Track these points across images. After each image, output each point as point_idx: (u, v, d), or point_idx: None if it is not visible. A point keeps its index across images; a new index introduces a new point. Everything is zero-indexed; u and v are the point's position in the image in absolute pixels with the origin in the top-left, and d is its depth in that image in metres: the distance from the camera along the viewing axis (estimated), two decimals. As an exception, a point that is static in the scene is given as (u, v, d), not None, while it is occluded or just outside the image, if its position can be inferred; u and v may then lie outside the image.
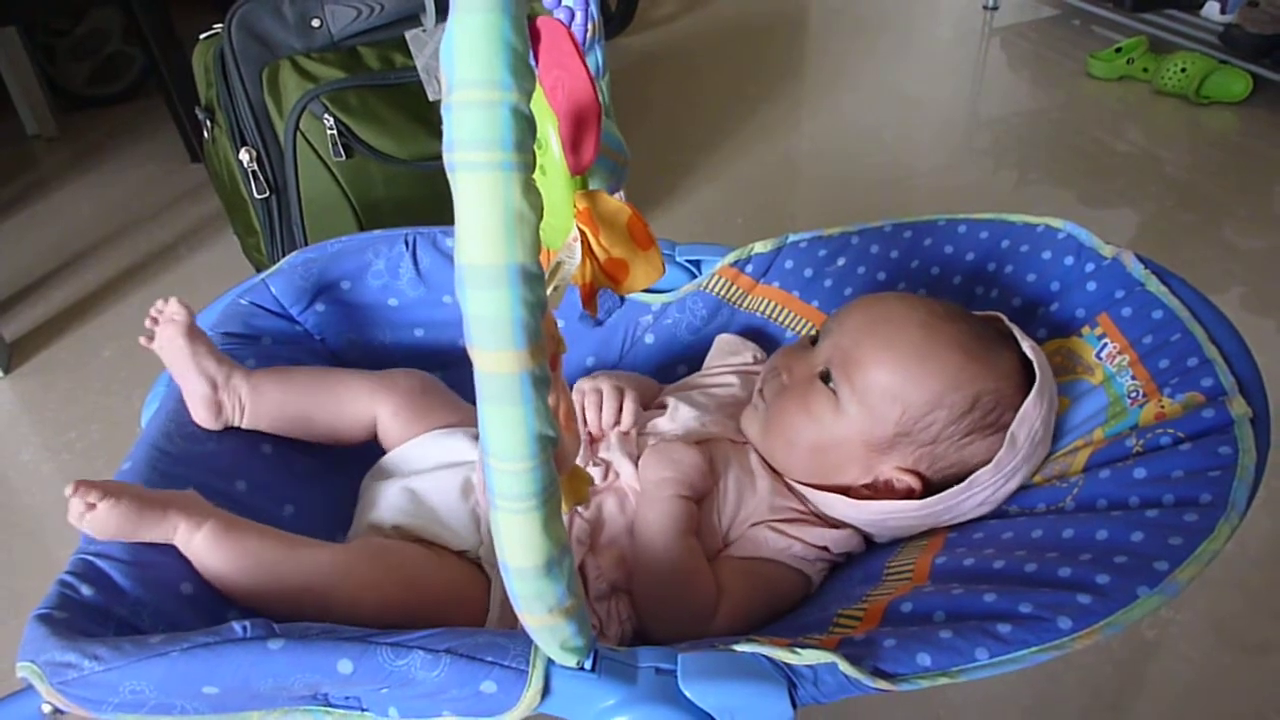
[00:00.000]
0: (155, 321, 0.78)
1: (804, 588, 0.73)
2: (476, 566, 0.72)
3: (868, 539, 0.76)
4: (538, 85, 0.57)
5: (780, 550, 0.72)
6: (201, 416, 0.77)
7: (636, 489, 0.74)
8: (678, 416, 0.80)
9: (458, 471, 0.77)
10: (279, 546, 0.66)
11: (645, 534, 0.70)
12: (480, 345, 0.41)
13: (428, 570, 0.70)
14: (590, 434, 0.79)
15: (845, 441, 0.73)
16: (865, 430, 0.72)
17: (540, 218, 0.40)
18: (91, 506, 0.62)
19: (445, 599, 0.68)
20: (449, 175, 0.39)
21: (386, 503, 0.76)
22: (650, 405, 0.84)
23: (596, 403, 0.79)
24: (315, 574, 0.66)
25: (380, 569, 0.68)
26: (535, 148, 0.57)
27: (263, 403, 0.79)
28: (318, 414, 0.81)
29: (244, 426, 0.79)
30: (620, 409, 0.79)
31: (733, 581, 0.70)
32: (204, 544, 0.64)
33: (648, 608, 0.70)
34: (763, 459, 0.78)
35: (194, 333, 0.77)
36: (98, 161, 2.03)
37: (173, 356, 0.77)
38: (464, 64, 0.38)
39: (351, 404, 0.82)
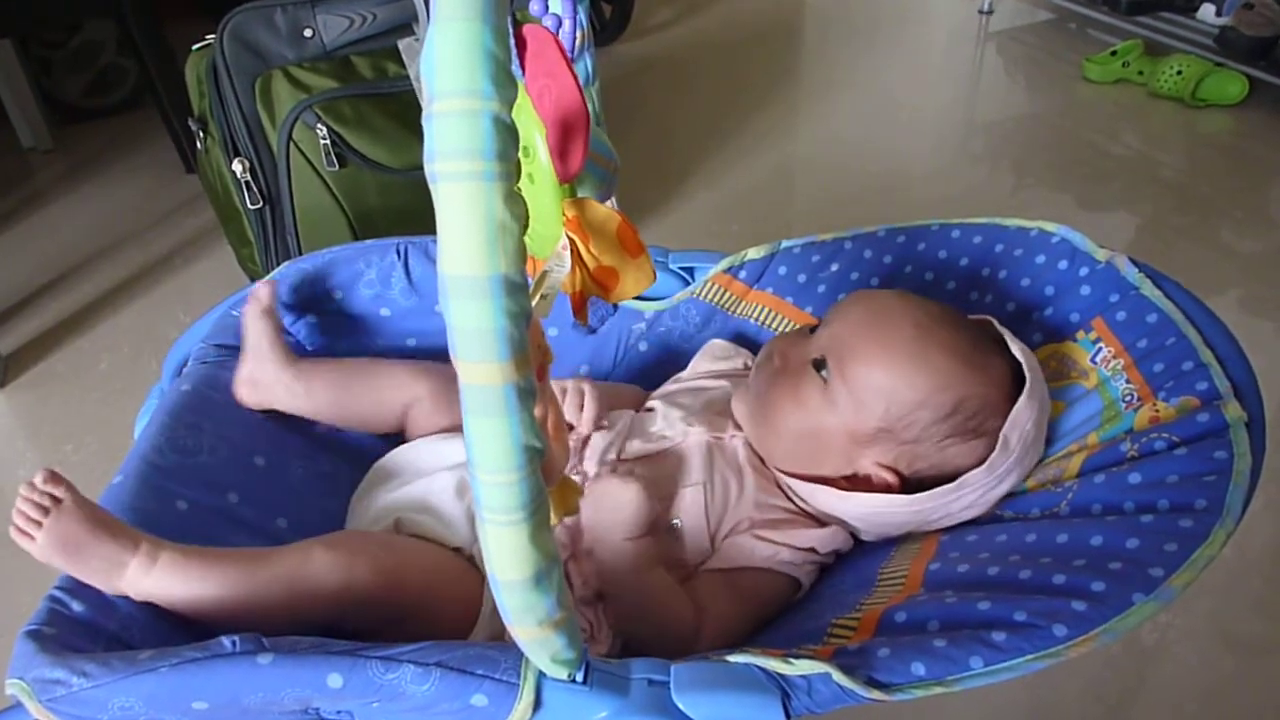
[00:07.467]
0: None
1: (793, 591, 0.73)
2: (470, 562, 0.72)
3: (856, 538, 0.76)
4: (525, 93, 0.56)
5: (767, 558, 0.72)
6: (241, 394, 0.82)
7: None
8: (665, 419, 0.80)
9: (452, 473, 0.77)
10: (246, 552, 0.66)
11: (610, 573, 0.70)
12: (464, 357, 0.41)
13: (416, 548, 0.71)
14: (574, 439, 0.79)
15: (829, 430, 0.74)
16: (850, 421, 0.73)
17: (524, 227, 0.40)
18: (57, 502, 0.61)
19: (435, 579, 0.69)
20: (430, 186, 0.39)
21: (381, 502, 0.77)
22: (638, 410, 0.84)
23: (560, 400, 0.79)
24: (295, 556, 0.65)
25: (365, 542, 0.69)
26: (522, 156, 0.57)
27: (309, 390, 0.82)
28: (361, 398, 0.84)
29: (283, 410, 0.83)
30: (581, 408, 0.79)
31: (715, 598, 0.70)
32: (166, 569, 0.62)
33: (635, 637, 0.70)
34: (750, 455, 0.78)
35: (265, 314, 0.83)
36: (93, 174, 2.03)
37: (244, 332, 0.83)
38: (444, 73, 0.38)
39: (391, 389, 0.84)
